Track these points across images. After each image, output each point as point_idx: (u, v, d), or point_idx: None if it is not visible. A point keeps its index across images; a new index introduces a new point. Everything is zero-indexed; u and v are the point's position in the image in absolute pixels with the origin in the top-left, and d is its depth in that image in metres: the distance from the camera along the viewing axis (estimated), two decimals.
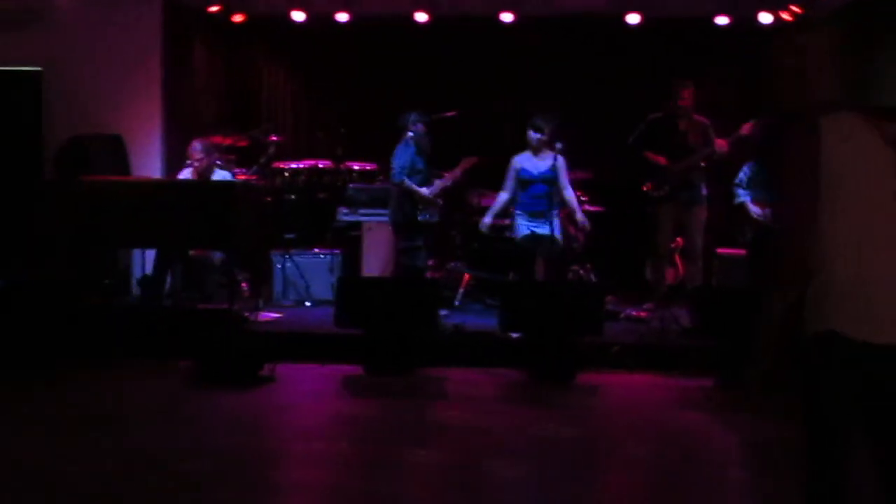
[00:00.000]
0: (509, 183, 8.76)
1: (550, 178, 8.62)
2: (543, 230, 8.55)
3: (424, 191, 8.79)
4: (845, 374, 3.17)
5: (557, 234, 8.59)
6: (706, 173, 8.95)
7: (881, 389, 3.14)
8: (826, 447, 3.21)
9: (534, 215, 8.65)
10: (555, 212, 8.63)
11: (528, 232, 8.67)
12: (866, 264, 3.15)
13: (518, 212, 8.81)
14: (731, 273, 9.05)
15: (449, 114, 9.65)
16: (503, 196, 8.82)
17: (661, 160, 8.83)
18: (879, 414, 3.15)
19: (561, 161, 8.62)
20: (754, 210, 8.50)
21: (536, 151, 8.66)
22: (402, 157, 8.84)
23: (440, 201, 9.07)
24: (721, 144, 8.66)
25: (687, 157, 8.76)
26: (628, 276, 9.93)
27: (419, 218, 8.79)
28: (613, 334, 8.02)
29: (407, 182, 8.76)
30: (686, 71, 9.50)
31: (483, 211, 9.92)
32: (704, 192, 8.90)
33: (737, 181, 8.67)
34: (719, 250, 9.40)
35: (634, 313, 9.03)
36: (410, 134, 8.89)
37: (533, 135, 8.62)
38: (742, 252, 8.85)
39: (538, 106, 9.23)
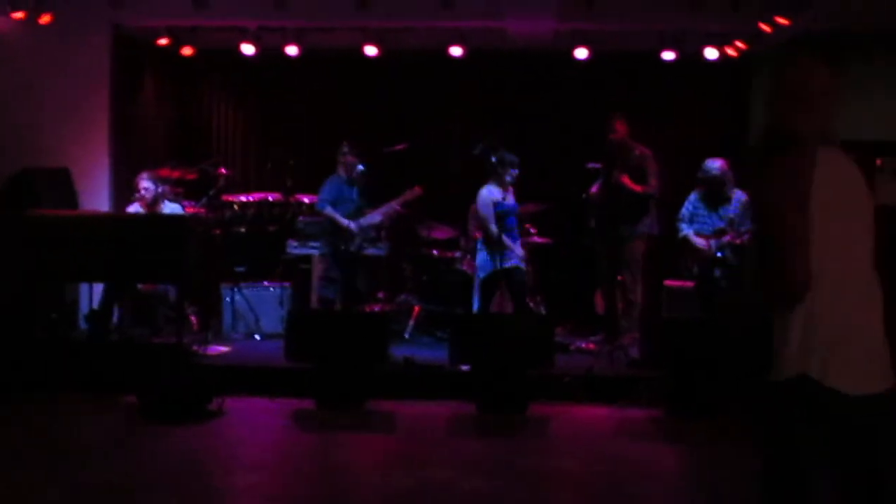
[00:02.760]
0: (491, 214, 8.58)
1: (517, 212, 8.73)
2: (511, 263, 8.58)
3: (347, 222, 8.78)
4: (815, 420, 3.19)
5: (519, 265, 8.63)
6: (656, 205, 8.96)
7: (850, 436, 3.18)
8: (787, 488, 3.23)
9: (503, 248, 8.54)
10: (520, 243, 8.76)
11: (497, 266, 8.58)
12: (845, 311, 3.18)
13: (486, 245, 8.70)
14: (680, 305, 9.08)
15: (399, 147, 9.65)
16: (495, 231, 8.53)
17: (590, 193, 8.93)
18: (846, 458, 3.19)
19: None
20: (698, 242, 8.54)
21: (504, 185, 8.61)
22: (329, 186, 8.89)
23: (373, 233, 9.05)
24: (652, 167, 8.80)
25: (612, 191, 8.75)
26: (577, 307, 9.98)
27: (346, 248, 8.75)
28: (564, 366, 8.02)
29: (328, 210, 8.83)
30: (632, 104, 9.60)
31: (433, 244, 9.95)
32: (643, 226, 8.88)
33: (679, 215, 8.71)
34: (667, 282, 9.42)
35: (584, 345, 9.05)
36: (340, 165, 8.91)
37: (511, 172, 8.56)
38: (689, 284, 8.90)
39: (483, 138, 9.29)
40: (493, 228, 8.49)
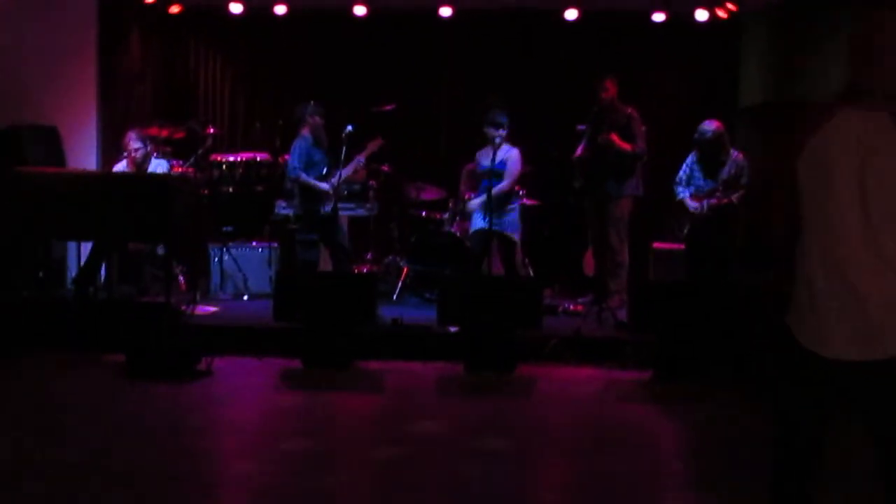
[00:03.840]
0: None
1: (498, 171, 8.67)
2: (497, 225, 8.65)
3: (322, 185, 8.70)
4: (806, 381, 3.27)
5: (511, 230, 8.76)
6: (641, 167, 8.93)
7: (858, 406, 3.22)
8: (793, 447, 3.30)
9: (485, 209, 8.60)
10: (513, 205, 8.84)
11: (480, 226, 8.65)
12: (831, 277, 3.20)
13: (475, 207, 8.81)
14: (668, 267, 9.06)
15: (386, 107, 9.59)
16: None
17: (575, 154, 8.91)
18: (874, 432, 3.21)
19: (515, 152, 8.82)
20: (692, 205, 8.54)
21: (494, 145, 8.59)
22: (296, 151, 8.75)
23: (345, 191, 8.96)
24: (639, 128, 8.77)
25: (599, 150, 8.73)
26: (565, 269, 9.98)
27: (321, 210, 8.69)
28: (552, 328, 8.01)
29: (303, 177, 8.69)
30: (622, 66, 9.55)
31: (421, 205, 9.92)
32: (629, 187, 8.84)
33: (677, 178, 8.69)
34: (655, 244, 9.40)
35: (571, 307, 9.04)
36: (306, 126, 8.80)
37: (497, 131, 8.54)
38: (679, 246, 8.88)
39: (477, 100, 9.23)
40: (330, 182, 8.58)
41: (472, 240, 8.91)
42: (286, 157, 9.48)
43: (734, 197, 8.32)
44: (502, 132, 8.57)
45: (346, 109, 9.17)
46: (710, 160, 8.48)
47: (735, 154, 8.43)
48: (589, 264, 9.48)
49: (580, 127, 9.00)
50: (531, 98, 10.45)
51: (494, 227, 8.61)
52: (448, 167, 9.78)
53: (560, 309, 8.97)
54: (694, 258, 8.55)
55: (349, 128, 8.66)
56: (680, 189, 8.65)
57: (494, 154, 8.57)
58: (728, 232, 8.45)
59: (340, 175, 8.57)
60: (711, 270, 8.33)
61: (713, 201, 8.41)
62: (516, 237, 8.92)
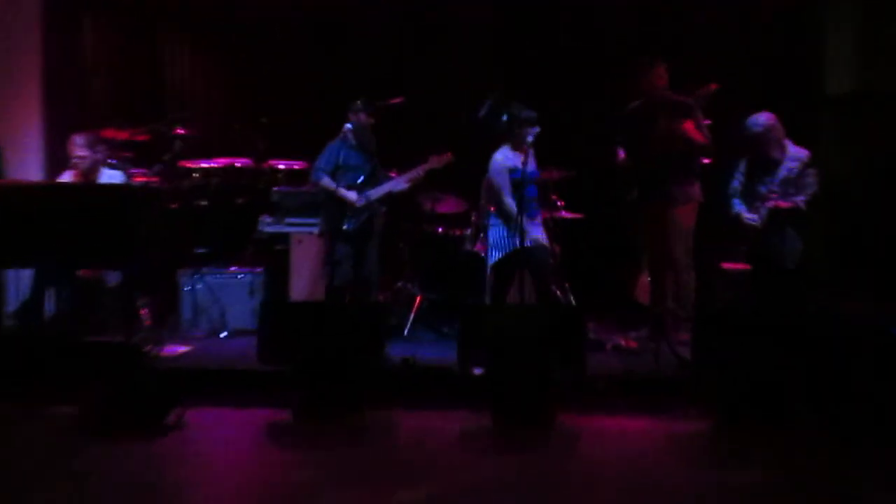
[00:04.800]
0: (507, 183, 8.52)
1: (532, 178, 8.65)
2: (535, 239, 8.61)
3: (350, 195, 8.78)
4: None
5: (541, 240, 8.64)
6: (701, 167, 8.92)
7: None
8: None
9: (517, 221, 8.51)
10: (541, 217, 8.80)
11: (515, 245, 8.52)
12: None
13: (500, 220, 8.68)
14: (741, 293, 9.01)
15: (394, 100, 9.55)
16: (512, 203, 8.49)
17: (619, 157, 8.96)
18: None
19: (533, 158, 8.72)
20: (748, 217, 8.47)
21: (522, 147, 8.56)
22: (328, 151, 8.97)
23: (383, 208, 9.04)
24: (702, 122, 8.76)
25: (660, 140, 8.74)
26: (614, 297, 9.97)
27: (345, 227, 8.72)
28: (598, 368, 8.01)
29: (324, 181, 8.92)
30: (671, 47, 9.56)
31: (437, 219, 9.92)
32: (692, 188, 8.86)
33: (729, 190, 8.63)
34: (724, 265, 9.32)
35: (623, 342, 8.99)
36: (348, 125, 8.88)
37: (530, 131, 8.52)
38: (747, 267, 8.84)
39: (490, 93, 9.22)
40: (508, 201, 8.45)
41: (510, 262, 8.69)
42: (272, 162, 9.49)
43: (799, 200, 8.25)
44: (536, 132, 8.54)
45: (353, 104, 9.17)
46: (763, 160, 8.42)
47: (795, 149, 8.39)
48: (644, 290, 9.47)
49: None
50: (563, 90, 10.50)
51: (529, 243, 8.51)
52: (470, 174, 9.71)
53: (608, 345, 8.95)
54: (760, 280, 8.55)
55: (348, 126, 8.64)
56: (735, 202, 8.62)
57: (526, 157, 8.53)
58: (796, 243, 8.38)
59: (384, 189, 8.72)
60: (783, 293, 8.30)
61: (770, 204, 8.35)
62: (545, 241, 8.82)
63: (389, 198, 9.34)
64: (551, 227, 9.08)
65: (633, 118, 8.90)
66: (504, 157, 8.55)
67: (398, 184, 9.06)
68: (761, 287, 8.51)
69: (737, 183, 8.63)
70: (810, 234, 8.46)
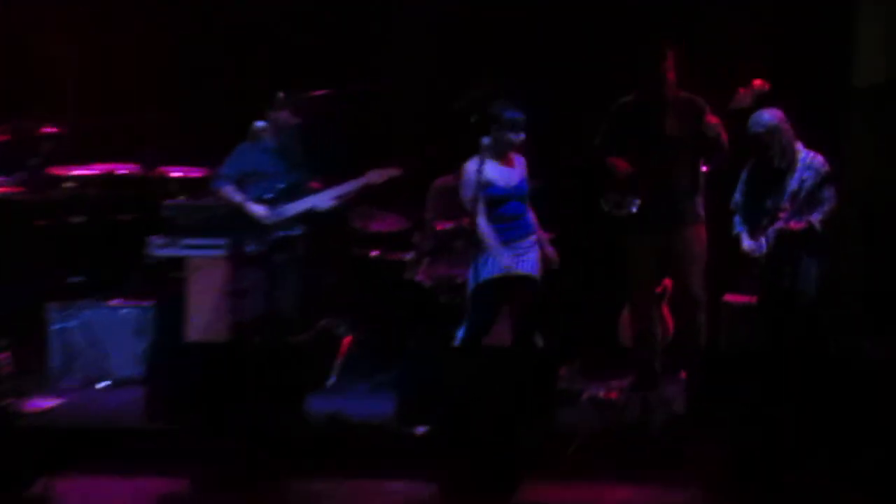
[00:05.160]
0: (479, 203, 8.54)
1: (525, 194, 8.69)
2: (523, 266, 8.59)
3: (258, 209, 8.77)
4: None
5: (535, 272, 8.66)
6: (706, 179, 9.00)
7: None
8: None
9: (505, 246, 8.57)
10: (533, 239, 8.73)
11: (495, 272, 8.56)
12: None
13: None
14: (747, 331, 9.10)
15: (321, 92, 9.58)
16: (483, 224, 8.53)
17: (621, 164, 8.90)
18: None
19: (526, 165, 8.75)
20: (747, 244, 8.60)
21: (505, 156, 8.62)
22: (236, 154, 8.96)
23: (302, 227, 8.99)
24: (714, 123, 8.75)
25: (669, 148, 8.82)
26: (592, 337, 10.05)
27: (251, 249, 8.73)
28: (572, 425, 8.03)
29: (226, 190, 8.87)
30: (676, 33, 9.60)
31: (371, 241, 9.92)
32: (697, 203, 8.95)
33: (732, 203, 8.75)
34: (728, 297, 9.43)
35: (602, 393, 9.01)
36: (260, 123, 8.88)
37: (513, 136, 8.57)
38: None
39: (472, 86, 9.29)
40: (480, 222, 8.44)
41: (483, 292, 8.70)
42: (164, 169, 9.48)
43: (813, 219, 8.33)
44: (521, 138, 8.60)
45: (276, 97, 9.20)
46: (769, 169, 8.52)
47: (808, 155, 8.47)
48: (628, 329, 9.52)
49: None
50: (551, 81, 10.57)
51: (519, 267, 8.59)
52: (416, 184, 9.78)
53: (584, 396, 8.98)
54: (770, 317, 8.62)
55: (259, 124, 8.68)
56: (736, 220, 8.75)
57: (510, 167, 8.65)
58: (812, 272, 8.49)
59: (303, 204, 8.72)
60: (798, 334, 8.41)
61: (779, 225, 8.43)
62: (538, 278, 8.83)
63: (312, 216, 9.33)
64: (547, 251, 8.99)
65: (630, 116, 8.97)
66: (476, 169, 8.50)
67: (322, 199, 8.96)
68: (772, 326, 8.60)
69: (739, 195, 8.75)
70: (832, 257, 8.54)
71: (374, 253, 9.90)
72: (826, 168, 8.40)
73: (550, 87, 10.48)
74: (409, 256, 9.72)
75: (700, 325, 8.98)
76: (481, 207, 8.44)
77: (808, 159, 8.45)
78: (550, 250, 8.79)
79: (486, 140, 8.46)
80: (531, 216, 8.70)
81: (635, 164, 8.87)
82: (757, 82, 8.60)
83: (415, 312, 9.33)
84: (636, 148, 8.91)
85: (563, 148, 10.10)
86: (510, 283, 8.55)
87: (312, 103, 9.32)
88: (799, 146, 8.50)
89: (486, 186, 8.45)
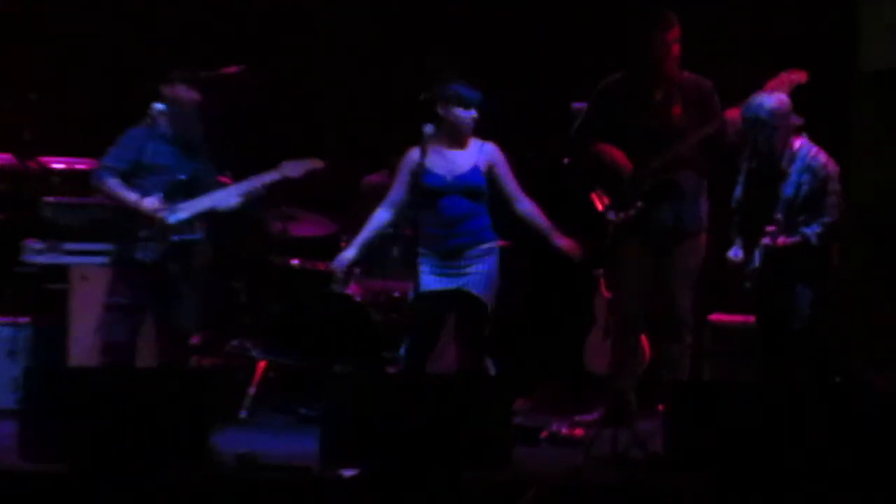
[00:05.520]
0: (397, 192, 8.72)
1: (477, 188, 8.66)
2: (458, 282, 8.61)
3: (148, 204, 8.72)
4: None
5: (483, 291, 8.63)
6: (710, 175, 9.04)
7: None
8: None
9: (447, 255, 8.63)
10: (487, 248, 8.71)
11: (433, 286, 8.63)
12: None
13: (420, 245, 8.78)
14: (737, 356, 9.09)
15: (230, 69, 9.52)
16: (381, 216, 8.77)
17: (620, 158, 8.83)
18: None
19: (496, 153, 8.75)
20: (733, 254, 8.56)
21: (455, 141, 8.64)
22: (125, 142, 8.92)
23: (197, 231, 8.88)
24: (734, 118, 8.66)
25: (669, 146, 8.79)
26: (554, 363, 10.14)
27: (139, 255, 8.68)
28: (530, 467, 8.01)
29: (109, 185, 8.81)
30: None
31: (292, 248, 9.86)
32: (704, 209, 8.98)
33: (733, 199, 8.66)
34: (713, 317, 9.40)
35: (565, 430, 9.05)
36: (159, 106, 8.78)
37: (461, 113, 8.60)
38: (746, 320, 9.07)
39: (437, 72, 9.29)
40: (376, 214, 8.73)
41: (419, 308, 8.81)
42: (43, 160, 9.38)
43: (810, 233, 8.22)
44: (473, 116, 8.63)
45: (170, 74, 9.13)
46: (767, 164, 8.44)
47: (807, 153, 8.37)
48: (597, 354, 9.58)
49: (578, 105, 9.15)
50: (504, 68, 10.72)
51: (461, 284, 8.63)
52: (344, 181, 9.72)
53: (544, 433, 9.02)
54: (765, 341, 8.60)
55: (159, 106, 8.58)
56: (737, 221, 8.70)
57: (455, 155, 8.62)
58: (807, 293, 8.41)
59: (204, 203, 8.66)
60: (795, 361, 8.37)
61: (766, 241, 8.31)
62: (490, 299, 8.84)
63: (215, 217, 9.21)
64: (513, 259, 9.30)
65: (620, 98, 8.95)
66: (419, 154, 8.60)
67: (226, 197, 8.88)
68: (767, 352, 8.59)
69: (739, 191, 8.66)
70: (832, 276, 8.47)
71: (295, 262, 9.96)
72: (828, 170, 8.32)
73: (511, 70, 10.52)
74: (336, 266, 9.59)
75: (685, 350, 9.02)
76: (390, 197, 8.71)
77: (807, 159, 8.37)
78: (565, 242, 8.77)
79: (428, 128, 8.50)
80: (485, 219, 8.72)
81: (629, 156, 8.89)
82: (794, 72, 8.61)
83: (344, 332, 9.28)
84: (627, 137, 8.90)
85: (525, 141, 10.26)
86: (451, 299, 8.59)
87: (219, 82, 9.23)
88: (800, 142, 8.43)
89: (421, 175, 8.56)
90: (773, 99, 8.33)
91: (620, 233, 8.82)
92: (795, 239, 8.21)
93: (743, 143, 8.61)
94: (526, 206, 8.76)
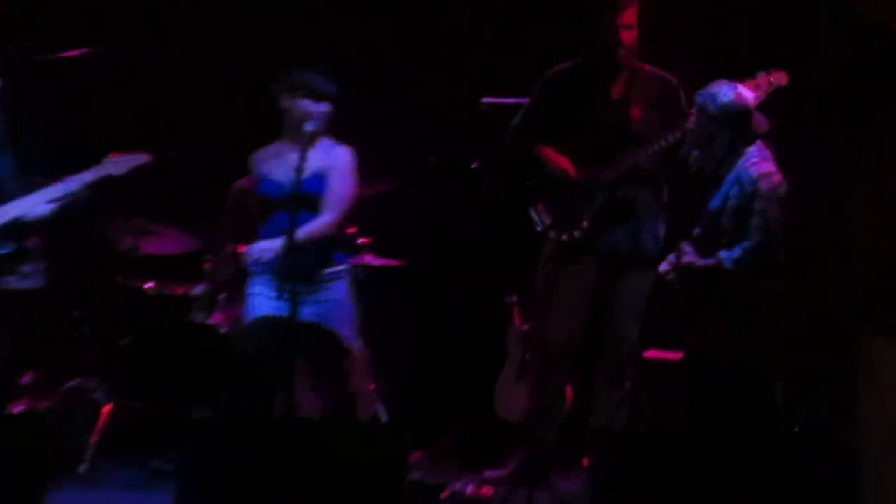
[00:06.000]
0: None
1: (308, 196, 8.66)
2: (308, 309, 8.61)
3: None
4: None
5: (338, 324, 8.83)
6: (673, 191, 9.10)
7: None
8: None
9: (288, 277, 8.54)
10: (335, 271, 8.90)
11: (268, 311, 8.73)
12: None
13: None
14: (671, 399, 9.18)
15: (76, 52, 9.49)
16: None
17: (565, 166, 8.89)
18: None
19: (342, 160, 8.85)
20: (663, 267, 8.57)
21: (301, 140, 8.52)
22: None
23: (12, 243, 8.81)
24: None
25: (624, 152, 8.81)
26: (458, 408, 10.14)
27: None
28: None
29: None
30: None
31: (143, 268, 9.84)
32: (662, 232, 9.08)
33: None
34: (648, 354, 9.49)
35: (470, 489, 9.09)
36: None
37: (310, 106, 8.66)
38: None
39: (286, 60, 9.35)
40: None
41: (252, 339, 8.90)
42: None
43: (726, 257, 8.20)
44: (323, 110, 8.65)
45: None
46: (704, 165, 8.45)
47: (746, 158, 8.35)
48: (511, 399, 9.68)
49: (488, 100, 9.31)
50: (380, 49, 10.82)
51: (305, 314, 8.59)
52: (211, 189, 9.72)
53: (447, 493, 9.04)
54: (696, 381, 8.70)
55: None
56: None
57: (303, 157, 8.46)
58: (739, 329, 8.44)
59: (10, 211, 8.62)
60: (743, 406, 8.48)
61: (671, 258, 8.46)
62: (348, 332, 8.95)
63: (23, 228, 9.15)
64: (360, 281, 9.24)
65: (568, 92, 9.00)
66: (258, 155, 8.85)
67: (34, 204, 8.73)
68: (700, 396, 8.67)
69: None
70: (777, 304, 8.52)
71: (148, 285, 9.94)
72: (759, 185, 8.24)
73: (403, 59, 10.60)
74: (198, 290, 9.77)
75: (624, 398, 9.11)
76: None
77: (740, 168, 8.34)
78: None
79: (308, 125, 8.50)
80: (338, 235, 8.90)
81: (580, 166, 8.91)
82: (776, 74, 8.63)
83: (206, 369, 9.29)
84: (575, 141, 8.96)
85: (421, 141, 10.41)
86: (293, 331, 8.51)
87: (31, 62, 9.22)
88: (752, 148, 8.38)
89: (258, 182, 8.84)
90: (730, 92, 8.32)
91: (560, 255, 8.94)
92: (709, 262, 8.25)
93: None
94: (329, 216, 8.79)
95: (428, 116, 10.58)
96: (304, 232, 8.52)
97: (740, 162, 8.30)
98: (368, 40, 10.72)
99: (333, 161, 8.76)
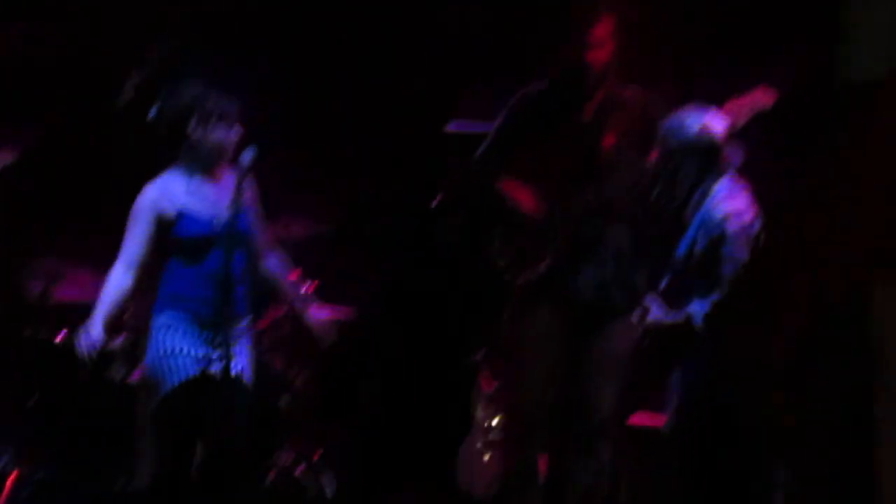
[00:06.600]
0: (135, 248, 8.78)
1: (242, 234, 8.73)
2: (224, 365, 8.58)
3: None
4: None
5: (247, 374, 8.78)
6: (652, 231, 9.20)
7: None
8: None
9: (207, 325, 8.73)
10: (246, 323, 8.93)
11: (192, 372, 8.67)
12: None
13: (164, 314, 8.89)
14: (659, 466, 9.52)
15: None
16: (121, 280, 8.82)
17: (524, 199, 9.21)
18: None
19: (253, 187, 8.88)
20: (635, 316, 8.69)
21: (212, 173, 8.79)
22: None
23: None
24: None
25: (599, 181, 9.10)
26: (416, 480, 10.45)
27: None
28: None
29: None
30: None
31: (50, 317, 10.14)
32: (639, 278, 9.20)
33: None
34: (634, 419, 9.90)
35: None
36: None
37: (225, 135, 8.74)
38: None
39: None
40: (113, 273, 8.84)
41: (173, 403, 8.82)
42: None
43: (696, 311, 8.31)
44: (235, 139, 8.77)
45: None
46: (669, 205, 8.58)
47: (714, 196, 8.44)
48: (478, 468, 10.09)
49: (457, 127, 9.67)
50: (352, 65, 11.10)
51: (232, 370, 8.61)
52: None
53: None
54: (680, 450, 8.77)
55: None
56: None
57: (239, 191, 8.60)
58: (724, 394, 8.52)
59: None
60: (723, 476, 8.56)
61: (635, 316, 8.58)
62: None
63: None
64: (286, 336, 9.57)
65: (537, 119, 9.28)
66: (160, 190, 8.78)
67: None
68: (685, 466, 8.70)
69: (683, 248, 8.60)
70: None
71: (59, 337, 10.12)
72: (726, 228, 8.26)
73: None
74: (118, 342, 10.02)
75: (602, 468, 9.29)
76: (127, 250, 8.77)
77: (707, 206, 8.38)
78: (322, 321, 9.07)
79: (245, 155, 8.61)
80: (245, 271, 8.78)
81: (544, 200, 9.14)
82: (760, 94, 8.87)
83: (126, 433, 9.60)
84: (539, 170, 9.24)
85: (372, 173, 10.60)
86: (211, 387, 8.61)
87: None
88: (722, 183, 8.47)
89: (174, 221, 8.69)
90: (695, 124, 8.41)
91: (523, 301, 9.20)
92: (677, 318, 8.36)
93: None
94: (272, 263, 9.03)
95: (379, 145, 10.70)
96: (275, 268, 8.96)
97: (707, 201, 8.31)
98: (310, 58, 10.83)
99: (248, 194, 8.69)
